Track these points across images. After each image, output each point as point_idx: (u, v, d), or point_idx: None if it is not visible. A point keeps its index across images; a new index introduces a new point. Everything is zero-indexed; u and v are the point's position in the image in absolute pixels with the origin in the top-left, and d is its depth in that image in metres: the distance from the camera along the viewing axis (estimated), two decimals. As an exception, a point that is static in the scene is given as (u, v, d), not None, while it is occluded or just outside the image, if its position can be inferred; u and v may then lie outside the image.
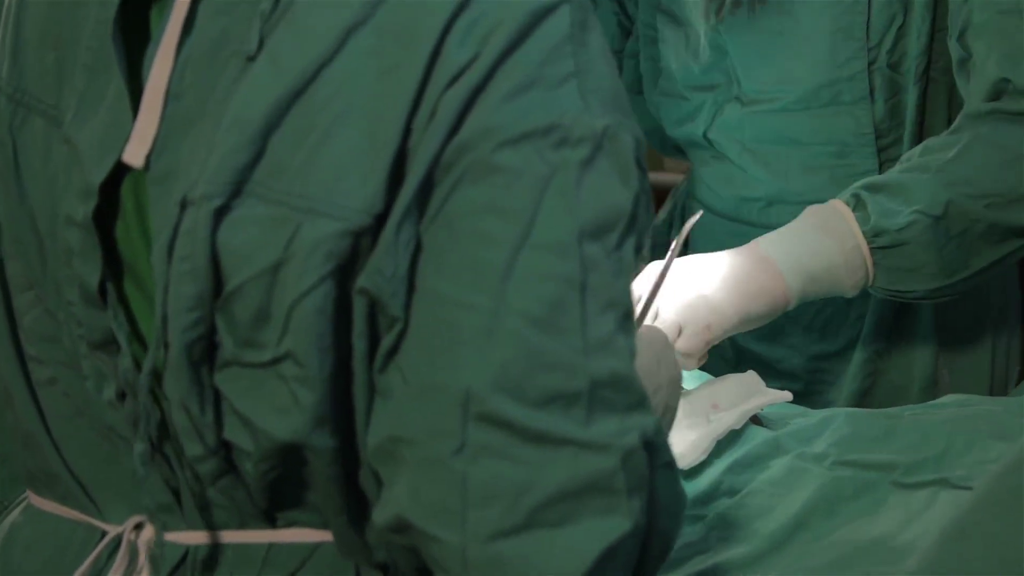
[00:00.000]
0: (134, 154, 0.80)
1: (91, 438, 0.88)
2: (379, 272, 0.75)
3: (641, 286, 1.27)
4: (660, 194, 1.67)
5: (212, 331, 0.78)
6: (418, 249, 0.75)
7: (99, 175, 0.81)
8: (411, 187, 0.75)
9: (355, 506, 0.81)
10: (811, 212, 1.36)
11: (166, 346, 0.79)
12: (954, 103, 1.43)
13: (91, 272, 0.82)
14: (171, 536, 0.84)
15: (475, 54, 0.74)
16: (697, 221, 1.26)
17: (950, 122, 1.41)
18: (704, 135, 1.53)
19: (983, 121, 1.34)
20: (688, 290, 1.31)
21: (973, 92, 1.36)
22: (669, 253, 1.15)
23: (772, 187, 1.50)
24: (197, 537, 0.84)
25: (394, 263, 0.75)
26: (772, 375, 1.45)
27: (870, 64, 1.42)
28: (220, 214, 0.77)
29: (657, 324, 1.27)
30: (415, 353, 0.75)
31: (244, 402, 0.79)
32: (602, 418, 0.74)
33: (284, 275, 0.76)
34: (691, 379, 1.33)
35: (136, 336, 0.84)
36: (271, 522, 0.83)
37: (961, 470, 1.14)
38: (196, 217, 0.77)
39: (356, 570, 0.84)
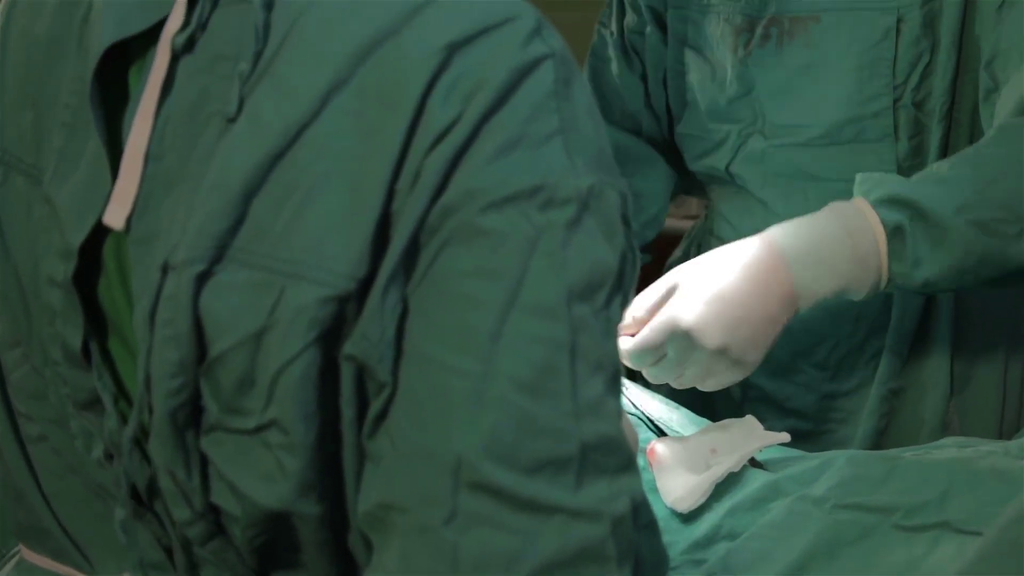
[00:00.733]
0: (114, 216, 0.79)
1: (82, 495, 0.87)
2: (366, 338, 0.74)
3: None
4: (662, 241, 1.66)
5: (197, 396, 0.78)
6: (404, 312, 0.74)
7: (78, 236, 0.80)
8: (396, 251, 0.74)
9: (345, 570, 0.81)
10: (846, 230, 1.28)
11: (150, 410, 0.78)
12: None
13: (73, 333, 0.82)
14: None
15: (458, 114, 0.74)
16: None
17: None
18: (727, 168, 1.52)
19: (1020, 137, 1.28)
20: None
21: (1003, 107, 1.34)
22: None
23: None
24: None
25: (380, 328, 0.74)
26: (780, 413, 1.45)
27: (895, 102, 1.41)
28: (202, 279, 0.76)
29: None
30: (404, 418, 0.74)
31: (230, 467, 0.78)
32: (592, 483, 0.73)
33: (268, 342, 0.75)
34: (689, 425, 1.32)
35: (123, 395, 0.83)
36: None
37: (963, 513, 1.13)
38: (178, 282, 0.76)
39: None
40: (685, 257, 1.66)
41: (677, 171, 1.65)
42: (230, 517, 0.79)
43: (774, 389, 1.53)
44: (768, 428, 1.25)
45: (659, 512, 1.21)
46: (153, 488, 0.81)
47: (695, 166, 1.58)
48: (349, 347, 0.75)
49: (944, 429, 1.47)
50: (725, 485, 1.21)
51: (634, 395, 1.36)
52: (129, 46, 0.81)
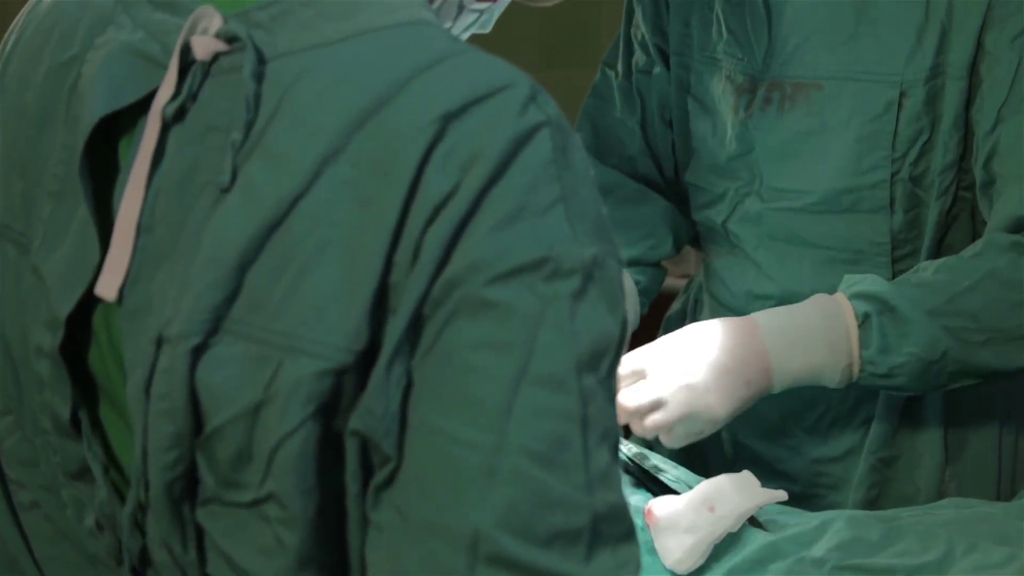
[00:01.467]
0: (107, 287, 0.79)
1: (75, 561, 0.86)
2: (370, 413, 0.73)
3: None
4: (659, 299, 1.66)
5: (193, 468, 0.77)
6: (409, 385, 0.74)
7: (65, 307, 0.80)
8: (400, 325, 0.73)
9: None
10: (820, 314, 1.34)
11: (147, 485, 0.77)
12: (978, 220, 1.43)
13: (61, 403, 0.81)
14: None
15: (456, 184, 0.73)
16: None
17: (974, 238, 1.40)
18: (723, 224, 1.53)
19: (1003, 253, 1.33)
20: (677, 374, 1.31)
21: (996, 219, 1.36)
22: None
23: (784, 286, 1.48)
24: None
25: (385, 402, 0.73)
26: (771, 475, 1.44)
27: (893, 175, 1.41)
28: (198, 352, 0.75)
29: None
30: (414, 491, 0.73)
31: (227, 541, 0.77)
32: (599, 553, 0.73)
33: (265, 416, 0.74)
34: (686, 482, 1.32)
35: (114, 464, 0.82)
36: None
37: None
38: (173, 356, 0.75)
39: None
40: (682, 313, 1.66)
41: (679, 210, 1.64)
42: None
43: (764, 451, 1.52)
44: (760, 489, 1.25)
45: (658, 574, 1.21)
46: (145, 558, 0.81)
47: (696, 216, 1.57)
48: (354, 422, 0.74)
49: (940, 498, 1.45)
50: (724, 546, 1.21)
51: (632, 452, 1.36)
52: (119, 116, 0.80)
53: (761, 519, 1.25)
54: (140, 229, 0.78)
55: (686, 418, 1.31)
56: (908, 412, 1.47)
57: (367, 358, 0.74)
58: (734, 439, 1.53)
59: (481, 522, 0.71)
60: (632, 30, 1.61)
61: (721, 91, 1.49)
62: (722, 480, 1.25)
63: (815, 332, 1.33)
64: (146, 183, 0.78)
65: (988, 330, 1.32)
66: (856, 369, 1.33)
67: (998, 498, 1.47)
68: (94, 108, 0.79)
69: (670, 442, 1.34)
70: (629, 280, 1.52)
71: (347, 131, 0.75)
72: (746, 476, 1.25)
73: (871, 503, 1.47)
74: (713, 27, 1.50)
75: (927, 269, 1.35)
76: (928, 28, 1.38)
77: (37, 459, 0.85)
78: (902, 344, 1.32)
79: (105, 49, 0.81)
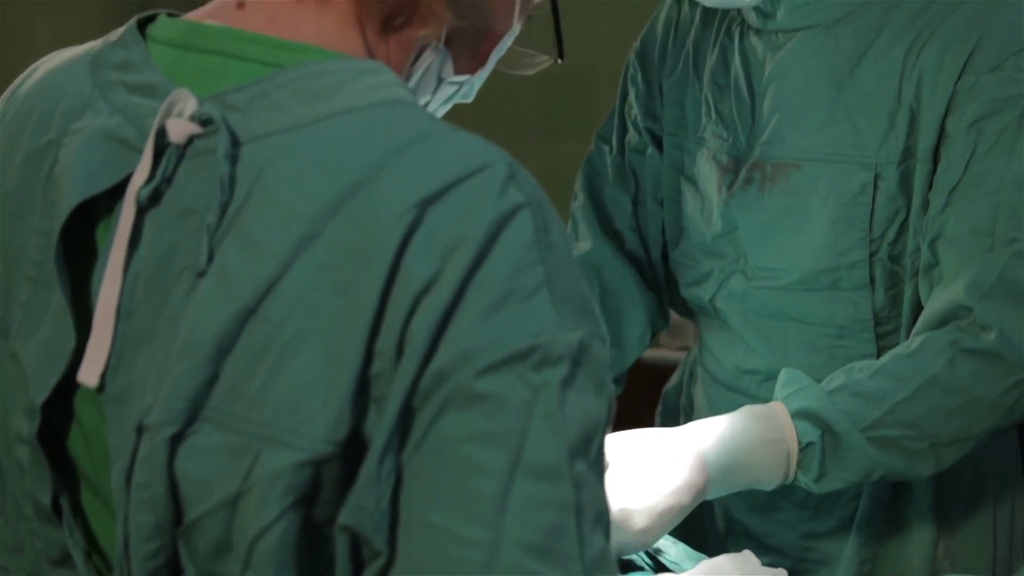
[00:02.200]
0: (88, 374, 0.77)
1: None
2: (361, 508, 0.72)
3: None
4: (658, 371, 1.66)
5: (176, 557, 0.75)
6: (399, 479, 0.73)
7: (41, 394, 0.79)
8: (390, 418, 0.72)
9: None
10: (761, 438, 1.32)
11: (129, 573, 0.76)
12: None
13: (41, 489, 0.80)
14: None
15: (438, 270, 0.72)
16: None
17: None
18: (711, 301, 1.54)
19: (940, 354, 1.33)
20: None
21: (935, 304, 1.36)
22: None
23: (771, 361, 1.49)
24: None
25: (376, 497, 0.72)
26: (762, 550, 1.43)
27: (872, 254, 1.42)
28: (176, 442, 0.74)
29: None
30: None
31: None
32: None
33: (244, 507, 0.73)
34: (687, 559, 1.31)
35: (96, 550, 0.81)
36: None
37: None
38: (152, 445, 0.74)
39: None
40: (679, 386, 1.67)
41: (657, 297, 1.65)
42: None
43: (755, 525, 1.52)
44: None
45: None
46: None
47: (685, 293, 1.59)
48: (344, 517, 0.73)
49: (933, 575, 1.45)
50: (724, 627, 1.19)
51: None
52: (96, 201, 0.79)
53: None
54: (120, 314, 0.77)
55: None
56: (898, 487, 1.46)
57: (349, 448, 0.73)
58: (726, 513, 1.53)
59: None
60: (626, 108, 1.63)
61: (708, 171, 1.52)
62: (722, 560, 1.23)
63: (755, 456, 1.32)
64: (124, 268, 0.77)
65: (929, 437, 1.33)
66: (790, 480, 1.35)
67: (994, 575, 1.46)
68: (70, 194, 0.79)
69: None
70: None
71: (322, 216, 0.74)
72: (746, 556, 1.24)
73: None
74: (702, 109, 1.53)
75: (863, 372, 1.35)
76: (900, 112, 1.40)
77: (22, 545, 0.84)
78: (839, 470, 1.33)
79: (82, 134, 0.81)
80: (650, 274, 1.64)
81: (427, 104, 0.93)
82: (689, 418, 1.59)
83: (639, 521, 1.25)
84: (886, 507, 1.47)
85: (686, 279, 1.57)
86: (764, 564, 1.27)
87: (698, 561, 1.29)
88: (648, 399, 1.58)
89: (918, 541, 1.46)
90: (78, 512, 0.81)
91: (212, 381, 0.74)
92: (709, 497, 1.32)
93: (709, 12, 1.55)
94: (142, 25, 0.86)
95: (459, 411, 0.72)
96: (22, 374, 0.80)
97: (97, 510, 0.81)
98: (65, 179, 0.80)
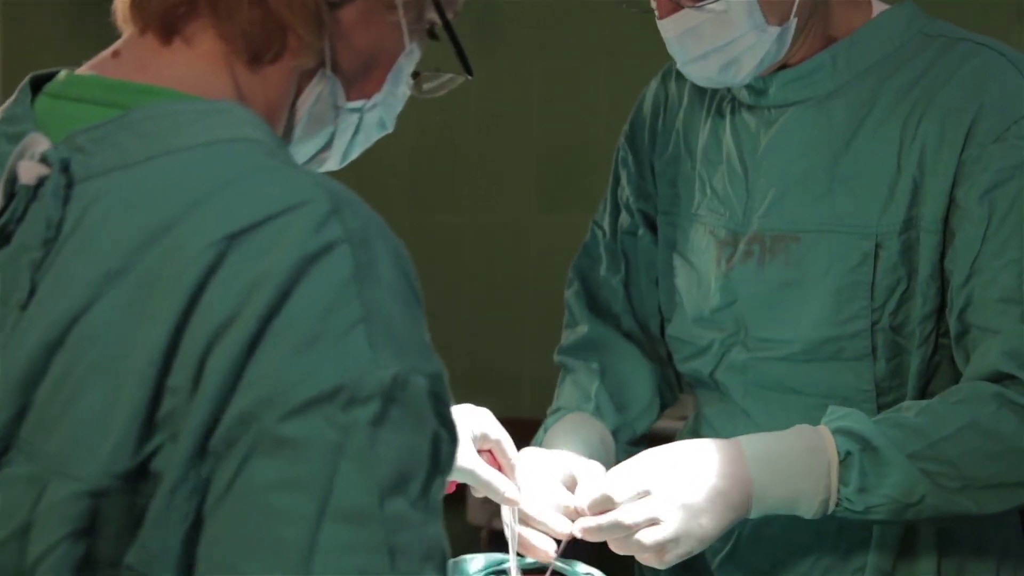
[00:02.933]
0: None
1: None
2: (145, 548, 0.73)
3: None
4: (658, 442, 1.66)
5: None
6: (197, 523, 0.72)
7: None
8: (182, 456, 0.72)
9: None
10: (804, 447, 1.35)
11: None
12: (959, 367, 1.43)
13: None
14: None
15: (238, 306, 0.72)
16: None
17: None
18: (711, 375, 1.54)
19: (985, 404, 1.35)
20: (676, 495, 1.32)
21: (974, 368, 1.37)
22: None
23: None
24: None
25: (163, 539, 0.72)
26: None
27: (873, 324, 1.42)
28: None
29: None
30: None
31: None
32: None
33: (32, 537, 0.74)
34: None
35: None
36: None
37: None
38: None
39: None
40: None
41: (661, 368, 1.65)
42: None
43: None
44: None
45: None
46: None
47: (682, 368, 1.59)
48: (129, 556, 0.73)
49: None
50: None
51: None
52: None
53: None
54: None
55: (681, 535, 1.32)
56: (901, 560, 1.45)
57: (134, 483, 0.73)
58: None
59: None
60: (618, 191, 1.64)
61: (704, 246, 1.52)
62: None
63: (797, 464, 1.34)
64: None
65: (965, 478, 1.34)
66: (832, 503, 1.35)
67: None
68: None
69: (662, 562, 1.33)
70: (605, 431, 1.54)
71: (135, 250, 0.75)
72: None
73: None
74: (696, 186, 1.54)
75: (910, 410, 1.36)
76: (900, 182, 1.40)
77: None
78: (881, 485, 1.33)
79: None
80: (650, 349, 1.64)
81: (332, 138, 0.93)
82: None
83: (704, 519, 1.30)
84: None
85: (683, 354, 1.57)
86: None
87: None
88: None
89: None
90: None
91: (22, 412, 0.75)
92: (754, 511, 1.34)
93: (698, 90, 1.56)
94: (42, 81, 0.88)
95: (265, 457, 0.72)
96: None
97: None
98: None
